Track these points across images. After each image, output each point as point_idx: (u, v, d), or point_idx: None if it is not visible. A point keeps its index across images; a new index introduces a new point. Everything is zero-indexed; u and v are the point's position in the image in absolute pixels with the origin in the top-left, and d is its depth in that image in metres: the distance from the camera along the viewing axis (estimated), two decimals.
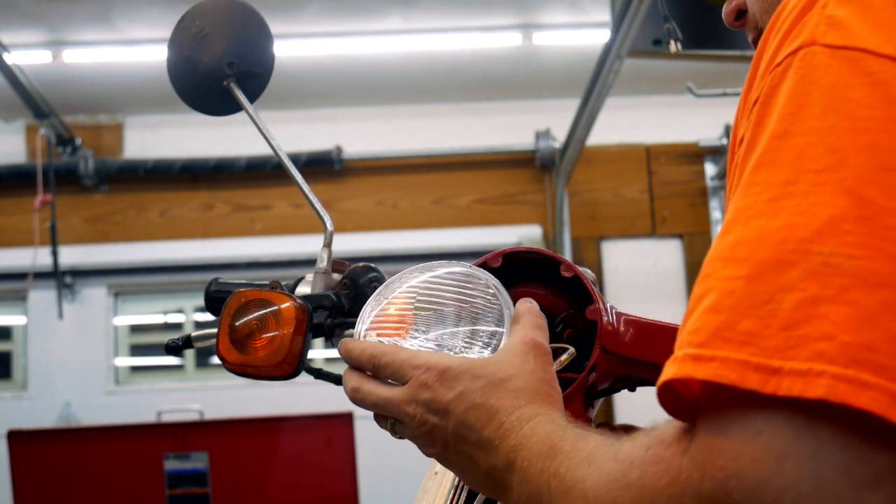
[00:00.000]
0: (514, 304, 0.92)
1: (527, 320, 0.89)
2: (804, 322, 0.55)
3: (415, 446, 0.89)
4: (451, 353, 0.89)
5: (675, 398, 0.60)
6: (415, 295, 0.93)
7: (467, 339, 0.90)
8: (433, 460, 1.10)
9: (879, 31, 0.61)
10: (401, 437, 0.88)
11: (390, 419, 0.87)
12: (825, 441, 0.54)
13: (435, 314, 0.92)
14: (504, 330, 0.89)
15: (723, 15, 0.86)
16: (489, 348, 0.89)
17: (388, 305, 0.94)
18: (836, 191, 0.58)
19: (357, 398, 0.89)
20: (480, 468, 0.80)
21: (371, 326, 0.93)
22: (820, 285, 0.56)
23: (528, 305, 0.91)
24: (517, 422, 0.79)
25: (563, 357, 0.97)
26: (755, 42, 0.82)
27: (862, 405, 0.53)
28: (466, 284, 0.93)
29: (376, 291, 0.96)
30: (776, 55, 0.64)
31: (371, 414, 0.91)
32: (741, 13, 0.86)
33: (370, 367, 0.88)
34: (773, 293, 0.57)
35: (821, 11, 0.63)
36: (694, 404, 0.59)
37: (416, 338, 0.91)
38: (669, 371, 0.59)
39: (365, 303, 1.07)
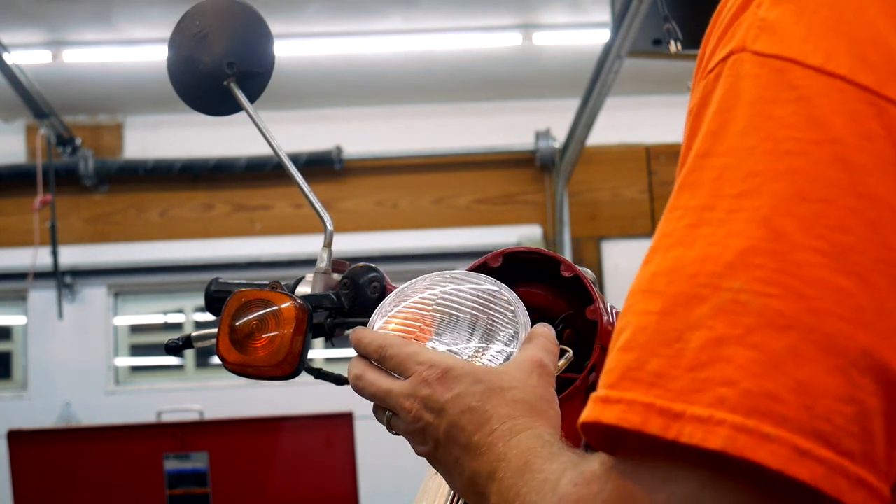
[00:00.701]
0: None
1: (539, 342, 0.89)
2: (709, 364, 0.52)
3: None
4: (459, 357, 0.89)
5: (596, 434, 0.58)
6: (435, 300, 0.93)
7: (478, 352, 0.90)
8: None
9: (811, 37, 0.57)
10: (396, 433, 0.88)
11: (387, 412, 0.87)
12: (727, 493, 0.52)
13: (451, 320, 0.92)
14: (515, 351, 0.89)
15: None
16: (497, 362, 0.89)
17: (409, 304, 0.94)
18: (750, 219, 0.54)
19: (358, 386, 0.89)
20: (465, 473, 0.80)
21: (386, 320, 0.94)
22: (727, 324, 0.53)
23: (545, 330, 0.91)
24: (508, 432, 0.78)
25: (561, 362, 0.97)
26: None
27: (761, 459, 0.50)
28: (490, 300, 0.93)
29: (399, 288, 0.97)
30: (711, 59, 0.61)
31: (370, 413, 0.91)
32: None
33: (376, 357, 0.88)
34: (682, 331, 0.54)
35: (755, 12, 0.59)
36: (613, 441, 0.58)
37: (429, 340, 0.91)
38: (584, 412, 0.57)
39: (364, 303, 1.07)
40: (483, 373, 0.83)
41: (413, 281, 0.97)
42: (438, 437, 0.82)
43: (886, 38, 0.56)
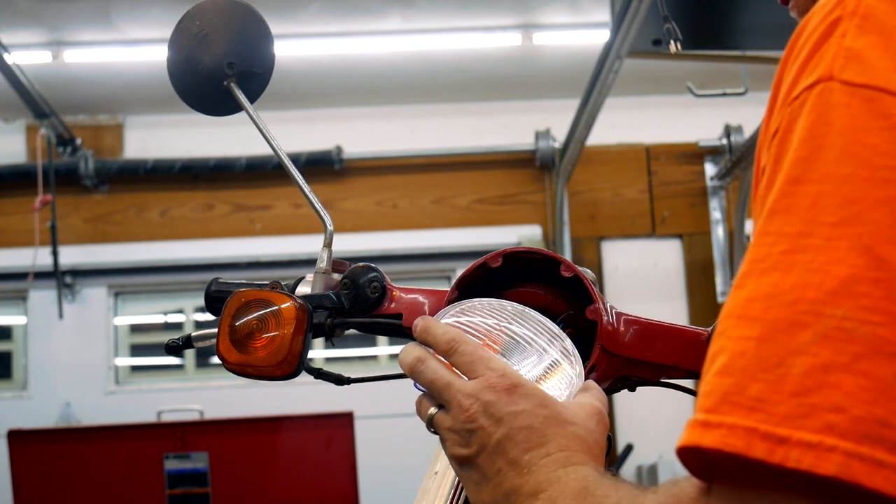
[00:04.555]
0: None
1: (596, 393, 0.89)
2: (815, 390, 0.53)
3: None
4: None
5: (694, 458, 0.59)
6: (506, 321, 0.92)
7: (542, 378, 0.89)
8: (433, 460, 1.10)
9: None
10: (433, 431, 0.87)
11: (434, 407, 0.86)
12: None
13: (518, 346, 0.91)
14: (575, 390, 0.90)
15: None
16: (558, 392, 0.89)
17: (479, 316, 0.93)
18: (851, 247, 0.55)
19: (417, 369, 0.87)
20: (503, 486, 0.80)
21: (456, 320, 0.92)
22: (832, 351, 0.54)
23: (595, 384, 0.92)
24: (564, 460, 0.79)
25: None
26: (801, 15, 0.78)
27: (876, 486, 0.51)
28: (556, 337, 0.93)
29: (466, 303, 0.95)
30: (794, 86, 0.61)
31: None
32: None
33: (445, 349, 0.86)
34: (783, 356, 0.55)
35: (839, 41, 0.60)
36: (712, 465, 0.58)
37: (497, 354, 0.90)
38: (682, 437, 0.58)
39: (364, 302, 1.07)
40: (551, 400, 0.83)
41: (477, 300, 0.95)
42: (487, 443, 0.81)
43: None
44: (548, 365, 0.90)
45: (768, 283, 0.57)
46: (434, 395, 0.86)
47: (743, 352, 0.56)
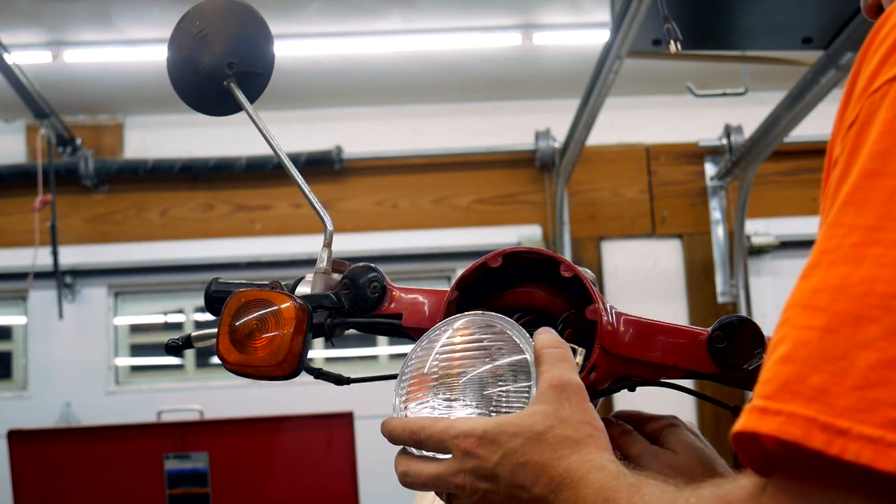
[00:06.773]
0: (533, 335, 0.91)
1: (548, 356, 0.87)
2: (878, 385, 0.53)
3: None
4: (495, 404, 0.88)
5: (750, 445, 0.58)
6: (437, 366, 0.91)
7: (501, 397, 0.88)
8: None
9: None
10: None
11: (444, 494, 0.87)
12: None
13: (459, 378, 0.90)
14: (532, 381, 0.88)
15: (862, 9, 0.82)
16: (523, 398, 0.87)
17: (420, 375, 0.92)
18: None
19: (408, 482, 0.88)
20: None
21: (407, 399, 0.92)
22: None
23: (545, 338, 0.90)
24: (566, 473, 0.78)
25: (578, 359, 0.97)
26: None
27: None
28: (482, 339, 0.91)
29: (406, 359, 0.95)
30: (874, 78, 0.60)
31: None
32: (881, 8, 0.80)
33: (412, 444, 0.87)
34: (848, 349, 0.54)
35: None
36: (769, 455, 0.57)
37: (452, 404, 0.90)
38: (739, 422, 0.57)
39: (364, 302, 1.07)
40: (516, 423, 0.82)
41: (415, 346, 0.95)
42: (500, 501, 0.82)
43: None
44: (493, 371, 0.89)
45: (837, 275, 0.56)
46: (435, 489, 0.87)
47: (807, 341, 0.56)
